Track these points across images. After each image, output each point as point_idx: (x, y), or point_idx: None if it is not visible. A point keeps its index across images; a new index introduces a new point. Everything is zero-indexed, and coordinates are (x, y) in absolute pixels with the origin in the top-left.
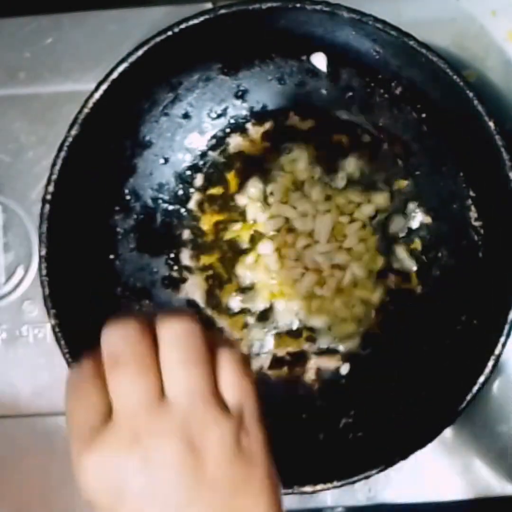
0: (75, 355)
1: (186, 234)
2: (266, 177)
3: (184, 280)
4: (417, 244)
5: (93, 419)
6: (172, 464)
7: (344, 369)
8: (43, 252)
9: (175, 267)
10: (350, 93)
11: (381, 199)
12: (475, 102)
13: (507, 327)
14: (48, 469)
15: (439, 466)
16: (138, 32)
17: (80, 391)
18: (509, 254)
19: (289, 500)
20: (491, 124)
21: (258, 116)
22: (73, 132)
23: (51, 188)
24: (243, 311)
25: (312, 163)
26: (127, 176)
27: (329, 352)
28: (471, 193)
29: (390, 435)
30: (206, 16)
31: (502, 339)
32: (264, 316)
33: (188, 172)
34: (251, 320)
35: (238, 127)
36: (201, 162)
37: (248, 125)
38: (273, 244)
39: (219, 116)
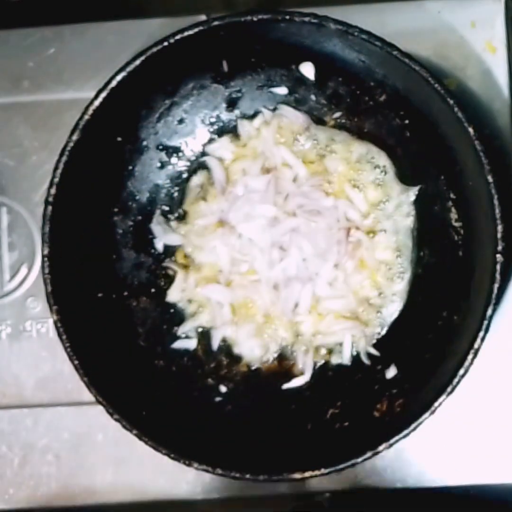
0: (76, 348)
1: (181, 233)
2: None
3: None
4: None
5: None
6: None
7: (334, 360)
8: (46, 251)
9: (171, 265)
10: (337, 100)
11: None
12: (456, 109)
13: (486, 322)
14: (57, 457)
15: (421, 454)
16: (136, 42)
17: None
18: (487, 253)
19: (279, 486)
20: (470, 129)
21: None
22: (74, 137)
23: (53, 191)
24: None
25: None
26: (125, 179)
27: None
28: (452, 195)
29: (375, 425)
30: (200, 28)
31: (481, 333)
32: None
33: (183, 175)
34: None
35: (230, 132)
36: (195, 165)
37: (240, 131)
38: None
39: (212, 121)
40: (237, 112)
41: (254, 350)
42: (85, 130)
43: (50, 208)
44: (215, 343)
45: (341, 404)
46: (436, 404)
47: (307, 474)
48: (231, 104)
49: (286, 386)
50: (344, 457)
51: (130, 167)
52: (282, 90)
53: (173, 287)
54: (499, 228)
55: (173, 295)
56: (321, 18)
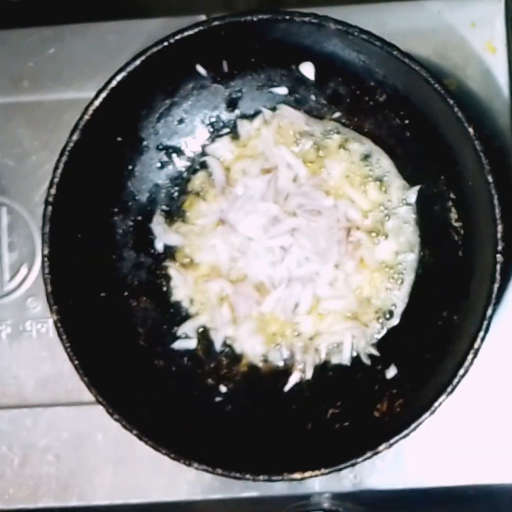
0: (76, 348)
1: (181, 233)
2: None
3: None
4: None
5: None
6: None
7: (334, 360)
8: (46, 251)
9: (171, 265)
10: (337, 100)
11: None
12: (456, 109)
13: (486, 322)
14: (57, 457)
15: (422, 454)
16: (136, 42)
17: None
18: (487, 253)
19: (279, 486)
20: (470, 130)
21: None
22: (74, 137)
23: (53, 191)
24: None
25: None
26: (125, 179)
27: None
28: (452, 195)
29: (375, 425)
30: (200, 28)
31: (481, 333)
32: None
33: (183, 175)
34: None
35: (230, 132)
36: (195, 165)
37: (240, 131)
38: None
39: (212, 121)
40: (237, 112)
41: (256, 348)
42: (85, 130)
43: (50, 208)
44: (218, 344)
45: (341, 404)
46: (436, 404)
47: (307, 474)
48: (231, 104)
49: (287, 388)
50: (344, 457)
51: (130, 167)
52: (282, 90)
53: (174, 287)
54: (499, 228)
55: (175, 295)
56: (321, 18)
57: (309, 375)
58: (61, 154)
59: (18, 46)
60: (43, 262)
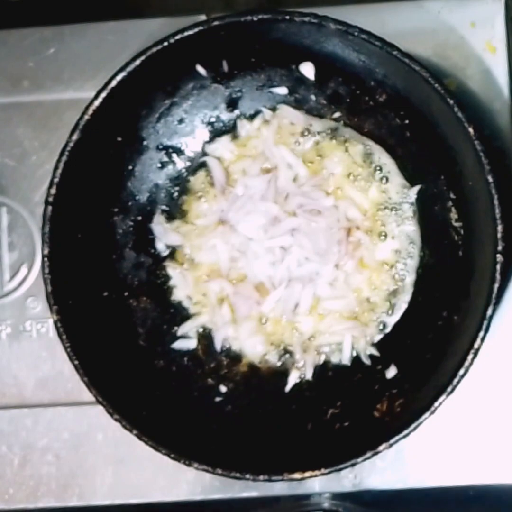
0: (76, 348)
1: (181, 233)
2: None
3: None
4: None
5: None
6: None
7: (334, 360)
8: (46, 251)
9: (171, 265)
10: (337, 100)
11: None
12: (456, 109)
13: (486, 322)
14: (57, 457)
15: (421, 454)
16: (136, 42)
17: None
18: (487, 253)
19: (279, 486)
20: (470, 130)
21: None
22: (74, 137)
23: (53, 191)
24: None
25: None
26: (125, 179)
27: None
28: (452, 195)
29: (375, 425)
30: (200, 28)
31: (481, 333)
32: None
33: (183, 175)
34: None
35: (230, 132)
36: (195, 165)
37: (240, 131)
38: None
39: (212, 121)
40: (237, 112)
41: (256, 347)
42: (85, 130)
43: (50, 208)
44: (218, 344)
45: (341, 404)
46: (436, 404)
47: (307, 474)
48: (231, 104)
49: (287, 388)
50: (344, 457)
51: (130, 167)
52: (282, 90)
53: (174, 287)
54: (499, 228)
55: (175, 295)
56: (321, 18)
57: (309, 375)
58: (61, 154)
59: (18, 46)
60: (43, 262)
